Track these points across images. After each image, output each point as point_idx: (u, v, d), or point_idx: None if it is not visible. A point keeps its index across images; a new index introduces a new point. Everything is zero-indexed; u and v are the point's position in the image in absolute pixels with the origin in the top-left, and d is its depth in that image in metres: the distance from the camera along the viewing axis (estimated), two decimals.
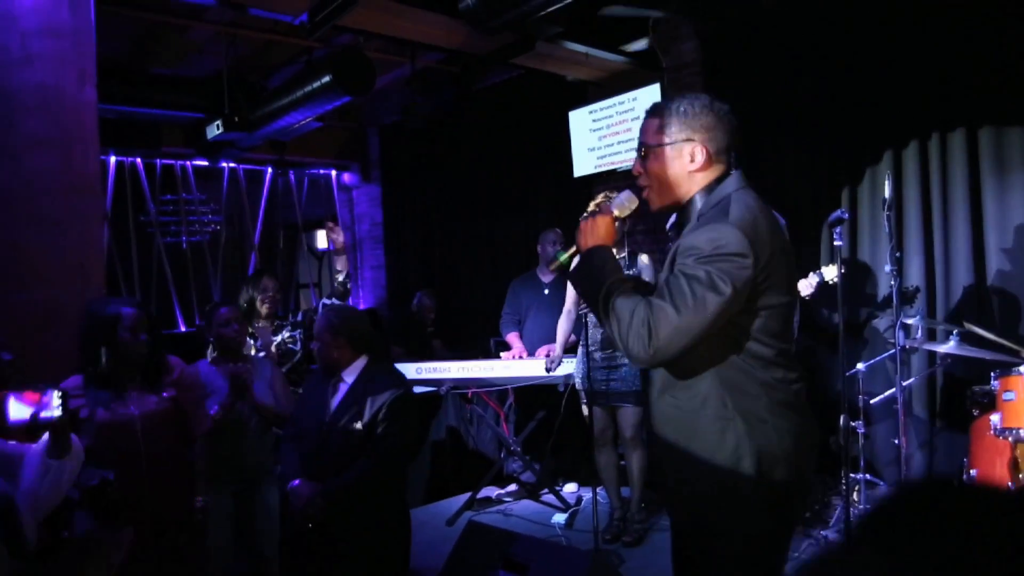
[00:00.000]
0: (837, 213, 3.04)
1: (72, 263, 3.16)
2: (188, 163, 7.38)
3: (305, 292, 8.65)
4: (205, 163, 7.27)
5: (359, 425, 2.82)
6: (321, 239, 8.40)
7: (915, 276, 4.37)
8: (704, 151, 1.78)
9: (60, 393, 1.80)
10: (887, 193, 3.54)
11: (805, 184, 4.78)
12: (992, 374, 3.26)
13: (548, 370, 4.48)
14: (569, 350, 4.51)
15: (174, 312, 7.29)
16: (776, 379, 1.74)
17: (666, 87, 5.36)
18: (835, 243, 3.03)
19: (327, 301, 4.45)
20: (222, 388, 3.09)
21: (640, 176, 1.87)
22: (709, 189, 1.80)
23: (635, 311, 1.66)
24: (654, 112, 1.85)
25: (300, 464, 2.86)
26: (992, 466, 3.34)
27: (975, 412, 3.52)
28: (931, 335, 4.24)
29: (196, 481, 2.69)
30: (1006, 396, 3.14)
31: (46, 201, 3.11)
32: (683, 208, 1.85)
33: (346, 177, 8.40)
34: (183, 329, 7.21)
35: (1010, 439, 3.15)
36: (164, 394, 2.58)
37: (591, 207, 3.99)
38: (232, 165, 7.62)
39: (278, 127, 5.53)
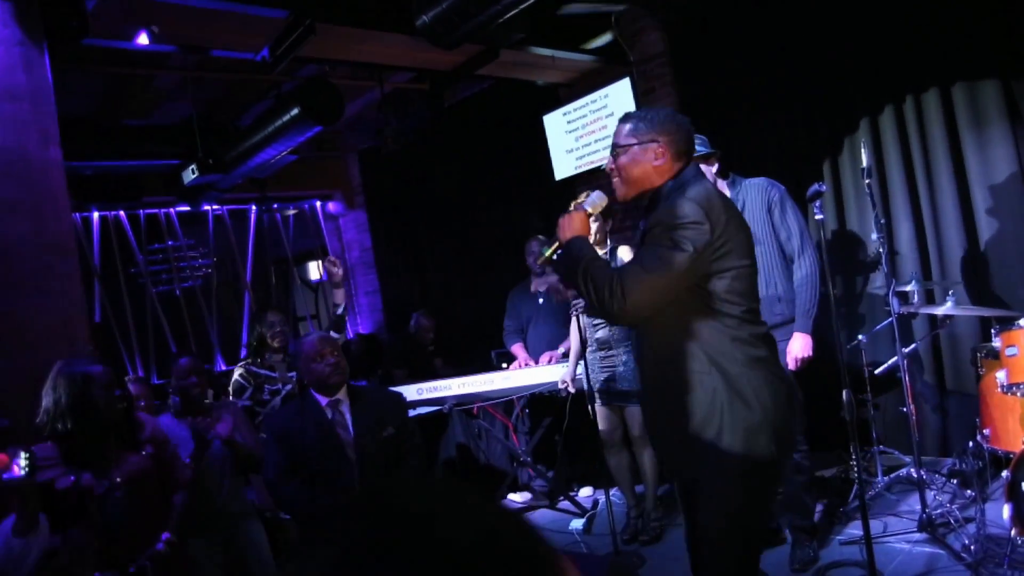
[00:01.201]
0: (815, 187, 2.99)
1: (54, 325, 3.13)
2: (171, 210, 7.38)
3: (303, 325, 8.63)
4: (188, 208, 7.26)
5: (390, 431, 2.89)
6: (313, 271, 8.37)
7: (905, 241, 4.33)
8: (666, 150, 2.09)
9: (28, 454, 1.73)
10: (865, 161, 3.50)
11: (786, 160, 4.74)
12: (993, 330, 3.22)
13: (563, 393, 4.44)
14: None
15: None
16: (748, 335, 2.00)
17: (636, 80, 5.34)
18: (816, 217, 2.99)
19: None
20: (185, 441, 3.06)
21: (612, 172, 2.19)
22: (673, 180, 2.11)
23: (608, 275, 1.96)
24: (625, 119, 2.17)
25: (343, 490, 2.78)
26: (1004, 423, 3.30)
27: (981, 371, 3.48)
28: (929, 298, 4.20)
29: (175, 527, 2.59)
30: (1009, 351, 3.09)
31: (22, 265, 3.09)
32: (652, 199, 2.15)
33: (331, 206, 8.39)
34: None
35: (1019, 395, 3.10)
36: (144, 452, 2.52)
37: (572, 206, 3.98)
38: (215, 207, 7.61)
39: (254, 164, 5.52)
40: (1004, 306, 3.55)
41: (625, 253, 3.93)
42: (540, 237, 5.07)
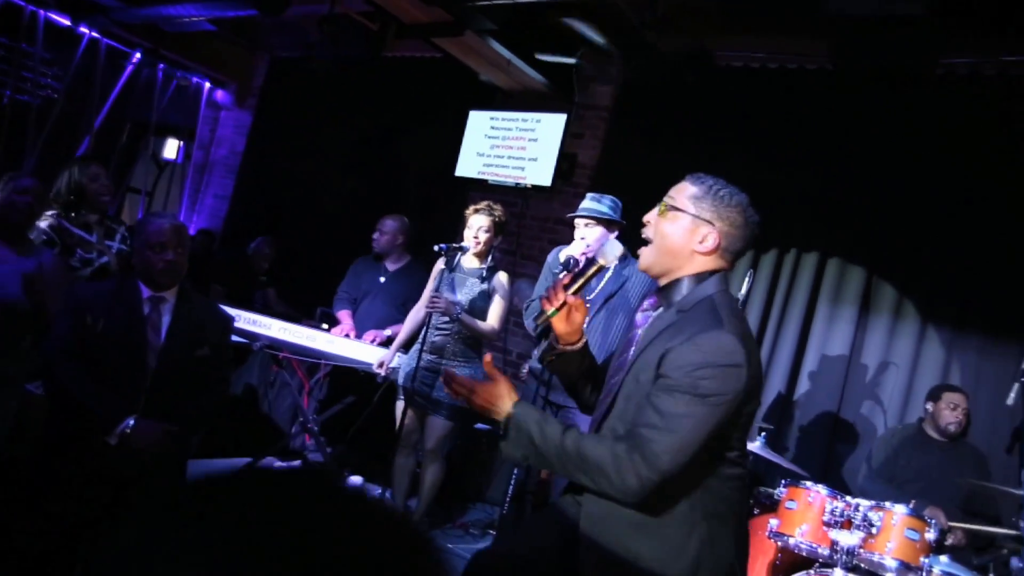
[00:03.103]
0: None
1: None
2: (44, 12, 6.46)
3: (133, 198, 7.85)
4: (66, 22, 6.41)
5: (204, 352, 2.57)
6: (170, 149, 7.64)
7: None
8: (717, 242, 1.78)
9: None
10: (744, 290, 3.69)
11: None
12: (782, 481, 3.47)
13: (379, 379, 4.27)
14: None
15: None
16: (738, 478, 1.77)
17: (571, 121, 5.38)
18: None
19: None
20: None
21: (648, 226, 1.86)
22: (698, 278, 1.79)
23: (606, 452, 1.61)
24: (696, 180, 1.84)
25: (124, 396, 2.42)
26: (754, 562, 3.54)
27: (756, 511, 3.73)
28: None
29: None
30: (788, 504, 3.34)
31: None
32: (669, 286, 1.83)
33: (219, 95, 7.75)
34: None
35: (779, 543, 3.37)
36: None
37: (472, 225, 3.85)
38: (95, 35, 6.77)
39: (164, 13, 4.98)
40: (798, 463, 3.84)
41: (504, 280, 3.89)
42: (404, 218, 4.86)
